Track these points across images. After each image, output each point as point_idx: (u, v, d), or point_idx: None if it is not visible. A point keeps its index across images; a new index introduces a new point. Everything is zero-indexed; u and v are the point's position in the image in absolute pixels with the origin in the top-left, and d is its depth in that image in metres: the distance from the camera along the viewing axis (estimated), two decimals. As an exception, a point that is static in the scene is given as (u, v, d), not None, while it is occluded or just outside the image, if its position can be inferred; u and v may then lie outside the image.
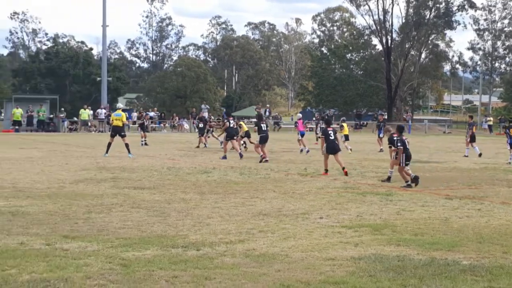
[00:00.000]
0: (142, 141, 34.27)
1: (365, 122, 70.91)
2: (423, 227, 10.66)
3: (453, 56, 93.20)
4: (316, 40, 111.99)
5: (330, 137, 19.56)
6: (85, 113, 55.64)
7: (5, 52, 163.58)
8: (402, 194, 14.92)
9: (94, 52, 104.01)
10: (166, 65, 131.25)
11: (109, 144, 26.30)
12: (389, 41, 78.14)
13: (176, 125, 61.95)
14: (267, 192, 15.04)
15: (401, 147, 16.57)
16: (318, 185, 16.64)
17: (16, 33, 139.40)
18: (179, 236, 9.64)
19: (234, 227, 10.41)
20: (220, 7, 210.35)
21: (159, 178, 17.68)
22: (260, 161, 23.44)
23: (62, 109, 59.17)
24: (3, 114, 57.73)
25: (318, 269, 7.78)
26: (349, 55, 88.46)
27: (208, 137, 34.07)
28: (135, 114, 60.57)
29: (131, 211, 11.98)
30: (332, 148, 19.53)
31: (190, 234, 9.78)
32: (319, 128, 40.16)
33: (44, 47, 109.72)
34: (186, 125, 61.15)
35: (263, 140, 24.57)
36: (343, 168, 19.23)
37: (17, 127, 51.22)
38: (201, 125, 34.31)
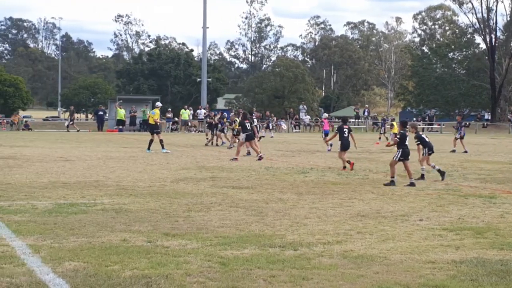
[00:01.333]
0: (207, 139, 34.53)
1: (467, 123, 69.10)
2: (528, 232, 10.27)
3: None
4: (417, 39, 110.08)
5: (344, 135, 20.86)
6: (186, 113, 56.77)
7: (109, 54, 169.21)
8: (505, 197, 14.44)
9: (195, 53, 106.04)
10: (264, 66, 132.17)
11: (151, 141, 27.64)
12: (493, 40, 75.87)
13: (274, 125, 62.15)
14: (365, 193, 14.89)
15: (397, 140, 16.75)
16: (418, 186, 16.32)
17: (120, 35, 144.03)
18: (277, 235, 9.67)
19: (331, 228, 10.36)
20: (320, 7, 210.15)
21: (257, 178, 17.81)
22: (258, 159, 23.76)
23: (169, 109, 60.56)
24: (107, 114, 59.62)
25: (417, 272, 7.63)
26: (451, 54, 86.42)
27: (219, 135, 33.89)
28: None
29: (230, 210, 12.11)
30: (346, 145, 20.80)
31: (288, 234, 9.79)
32: (382, 128, 40.03)
33: (146, 49, 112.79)
34: (284, 126, 61.29)
35: (249, 138, 25.01)
36: (348, 162, 20.41)
37: (120, 126, 52.76)
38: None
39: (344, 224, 10.76)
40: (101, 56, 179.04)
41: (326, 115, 38.70)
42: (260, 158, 23.85)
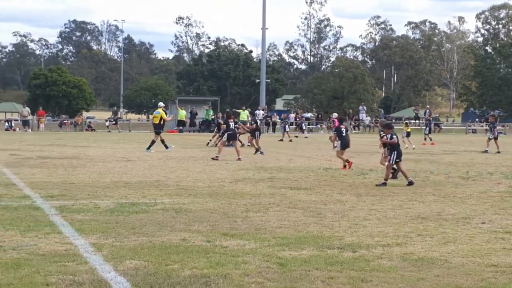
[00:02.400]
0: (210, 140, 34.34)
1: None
2: None
3: None
4: (480, 39, 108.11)
5: (343, 134, 21.21)
6: (244, 114, 56.99)
7: (170, 55, 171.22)
8: None
9: (254, 54, 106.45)
10: (323, 66, 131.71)
11: (153, 141, 28.00)
12: (560, 38, 73.85)
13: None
14: (426, 195, 14.69)
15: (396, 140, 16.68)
16: (480, 189, 16.01)
17: (181, 37, 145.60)
18: (335, 237, 9.63)
19: (391, 230, 10.25)
20: (381, 7, 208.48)
21: (316, 179, 17.76)
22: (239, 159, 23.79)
23: (227, 110, 60.99)
24: (169, 116, 60.40)
25: (479, 275, 7.49)
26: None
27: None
28: (292, 115, 61.25)
29: (288, 211, 12.11)
30: (345, 144, 21.06)
31: (346, 236, 9.74)
32: (427, 129, 39.38)
33: (206, 51, 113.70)
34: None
35: (231, 137, 25.23)
36: (347, 161, 20.69)
37: (181, 127, 53.33)
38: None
39: (404, 226, 10.64)
40: (162, 58, 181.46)
41: (336, 115, 39.29)
42: (239, 159, 23.63)
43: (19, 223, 10.28)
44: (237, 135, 26.15)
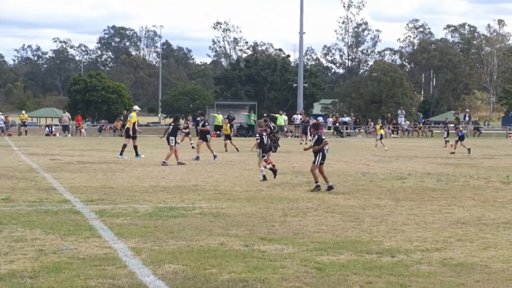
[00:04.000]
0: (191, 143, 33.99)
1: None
2: None
3: None
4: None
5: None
6: (281, 119, 57.02)
7: (208, 60, 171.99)
8: None
9: (291, 59, 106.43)
10: (361, 70, 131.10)
11: (124, 146, 26.85)
12: None
13: (371, 130, 61.60)
14: (466, 200, 14.52)
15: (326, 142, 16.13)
16: (521, 193, 15.77)
17: (219, 42, 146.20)
18: (374, 242, 9.58)
19: (430, 235, 10.16)
20: (420, 11, 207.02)
21: (354, 184, 17.67)
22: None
23: (265, 114, 61.14)
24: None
25: (520, 282, 7.38)
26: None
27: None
28: (330, 120, 61.06)
29: (326, 215, 12.08)
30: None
31: (385, 241, 9.68)
32: (445, 133, 39.28)
33: (244, 55, 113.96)
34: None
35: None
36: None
37: (218, 132, 53.53)
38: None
39: (443, 231, 10.53)
40: (200, 63, 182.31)
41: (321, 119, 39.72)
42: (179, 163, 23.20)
43: (60, 227, 10.43)
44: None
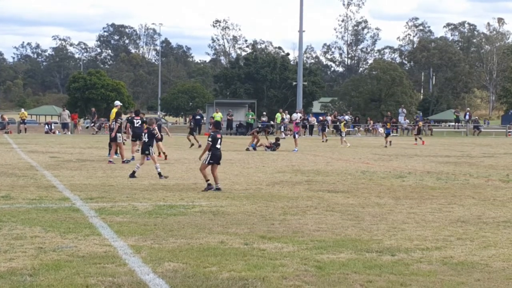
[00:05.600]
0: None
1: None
2: None
3: None
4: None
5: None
6: (280, 117, 57.00)
7: (207, 58, 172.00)
8: None
9: (291, 57, 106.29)
10: (361, 69, 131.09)
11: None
12: None
13: (370, 129, 61.61)
14: (466, 198, 14.51)
15: (210, 143, 15.48)
16: (521, 192, 15.77)
17: (218, 40, 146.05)
18: (374, 240, 9.57)
19: (430, 234, 10.15)
20: (419, 9, 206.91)
21: (353, 182, 17.66)
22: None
23: (264, 113, 61.13)
24: (205, 118, 60.63)
25: (521, 281, 7.37)
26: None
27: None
28: (329, 118, 61.02)
29: (325, 214, 12.07)
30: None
31: (385, 239, 9.67)
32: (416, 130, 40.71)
33: (243, 53, 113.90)
34: (380, 129, 60.56)
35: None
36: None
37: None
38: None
39: (443, 229, 10.52)
40: (199, 61, 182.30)
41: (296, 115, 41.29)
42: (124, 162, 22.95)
43: (59, 225, 10.42)
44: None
